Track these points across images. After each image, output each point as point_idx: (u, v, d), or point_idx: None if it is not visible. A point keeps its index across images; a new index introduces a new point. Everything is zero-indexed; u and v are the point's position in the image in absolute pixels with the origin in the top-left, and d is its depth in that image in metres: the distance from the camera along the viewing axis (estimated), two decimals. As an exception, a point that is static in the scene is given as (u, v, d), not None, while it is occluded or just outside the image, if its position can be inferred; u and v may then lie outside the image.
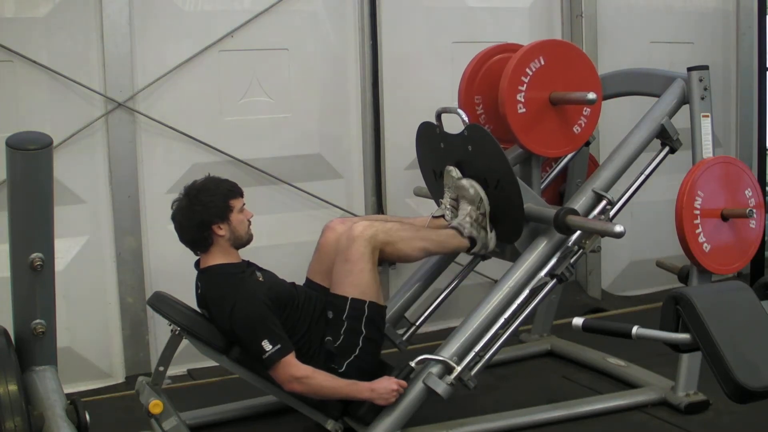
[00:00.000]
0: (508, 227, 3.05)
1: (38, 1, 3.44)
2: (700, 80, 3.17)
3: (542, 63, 3.11)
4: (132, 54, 3.59)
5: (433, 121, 3.22)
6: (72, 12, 3.49)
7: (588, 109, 3.19)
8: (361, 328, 2.83)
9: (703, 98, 3.16)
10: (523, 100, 3.09)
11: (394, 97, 4.09)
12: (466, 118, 3.05)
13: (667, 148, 3.24)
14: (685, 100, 3.21)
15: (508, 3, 4.34)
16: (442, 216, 3.12)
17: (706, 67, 3.20)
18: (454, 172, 3.10)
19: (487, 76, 3.38)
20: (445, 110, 3.19)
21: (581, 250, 3.00)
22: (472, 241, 3.05)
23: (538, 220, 3.04)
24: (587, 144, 3.55)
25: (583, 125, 3.21)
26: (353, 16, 4.02)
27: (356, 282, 2.83)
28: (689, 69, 3.21)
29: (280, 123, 3.89)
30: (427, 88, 4.10)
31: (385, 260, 3.00)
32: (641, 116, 3.25)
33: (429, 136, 3.27)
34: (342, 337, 2.83)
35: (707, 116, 3.15)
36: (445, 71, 4.12)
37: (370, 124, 4.06)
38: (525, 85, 3.09)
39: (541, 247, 3.02)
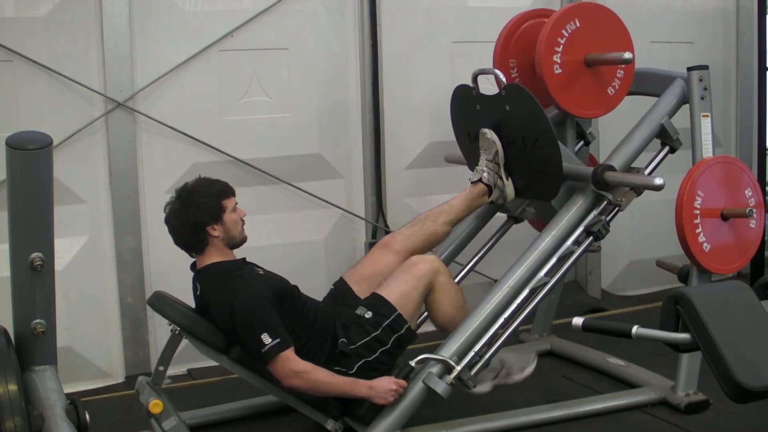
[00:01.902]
0: (546, 185, 3.09)
1: (38, 1, 3.44)
2: (700, 80, 3.18)
3: (578, 25, 3.14)
4: (132, 54, 3.59)
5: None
6: (72, 12, 3.49)
7: (621, 71, 3.22)
8: (388, 341, 2.86)
9: (703, 98, 3.17)
10: (559, 61, 3.12)
11: (394, 96, 4.09)
12: (503, 78, 3.08)
13: (667, 148, 3.24)
14: (685, 99, 3.22)
15: (508, 3, 4.32)
16: (480, 180, 3.16)
17: (706, 67, 3.21)
18: (490, 134, 3.13)
19: (521, 40, 3.40)
20: (483, 72, 3.22)
21: (617, 208, 3.05)
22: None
23: (576, 177, 3.08)
24: (587, 144, 3.56)
25: (617, 87, 3.24)
26: (353, 15, 4.02)
27: (408, 299, 2.90)
28: (689, 69, 3.22)
29: (280, 123, 3.89)
30: (427, 88, 4.10)
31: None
32: (641, 116, 3.25)
33: (465, 99, 3.30)
34: (366, 339, 2.84)
35: (707, 116, 3.16)
36: (445, 71, 4.12)
37: (370, 123, 4.06)
38: (561, 47, 3.12)
39: (578, 204, 3.07)
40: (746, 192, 3.09)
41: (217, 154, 3.75)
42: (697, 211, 2.97)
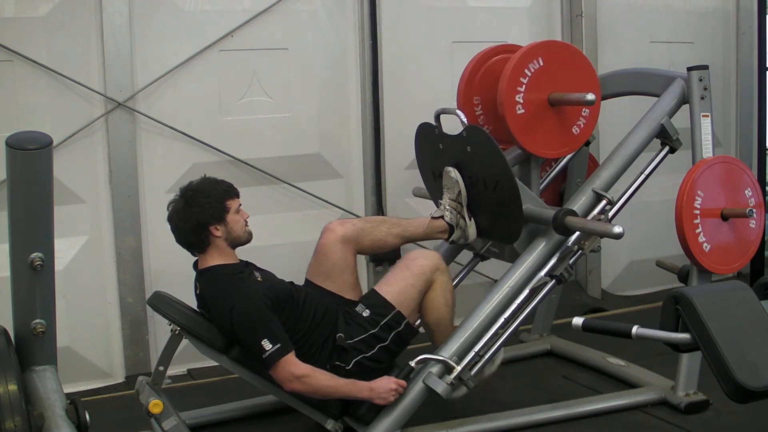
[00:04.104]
0: (507, 228, 3.05)
1: (38, 1, 3.44)
2: (700, 80, 3.17)
3: (541, 64, 3.11)
4: (132, 54, 3.59)
5: (432, 121, 3.22)
6: (72, 12, 3.49)
7: (587, 110, 3.19)
8: (387, 338, 2.86)
9: (702, 98, 3.16)
10: (522, 101, 3.09)
11: (394, 96, 4.09)
12: (465, 119, 3.05)
13: (666, 148, 3.24)
14: (685, 99, 3.21)
15: (508, 3, 4.34)
16: (441, 217, 3.13)
17: (706, 67, 3.20)
18: (453, 172, 3.10)
19: (486, 77, 3.38)
20: (444, 111, 3.19)
21: (580, 251, 3.01)
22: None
23: (537, 221, 3.04)
24: (587, 144, 3.55)
25: (582, 126, 3.20)
26: (353, 16, 4.02)
27: (406, 296, 2.89)
28: (689, 69, 3.21)
29: (280, 123, 3.89)
30: (427, 88, 4.10)
31: (364, 252, 3.07)
32: (641, 116, 3.25)
33: (428, 136, 3.27)
34: (363, 336, 2.84)
35: (707, 116, 3.15)
36: (445, 71, 4.12)
37: (370, 123, 4.06)
38: (524, 86, 3.09)
39: (540, 247, 3.02)
40: (746, 192, 3.09)
41: (217, 154, 3.75)
42: (697, 211, 2.97)
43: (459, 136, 3.07)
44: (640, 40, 4.59)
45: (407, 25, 4.11)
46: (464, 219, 3.09)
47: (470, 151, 3.04)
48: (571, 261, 3.00)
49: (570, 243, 3.00)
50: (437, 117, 3.21)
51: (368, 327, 2.86)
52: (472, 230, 3.12)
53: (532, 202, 3.05)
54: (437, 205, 3.24)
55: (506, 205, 2.99)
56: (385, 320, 2.86)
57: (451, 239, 3.12)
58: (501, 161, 2.95)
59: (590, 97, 3.00)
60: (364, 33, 4.01)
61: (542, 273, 2.99)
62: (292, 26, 3.88)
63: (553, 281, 2.98)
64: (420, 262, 2.94)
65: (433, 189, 3.37)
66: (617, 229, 2.78)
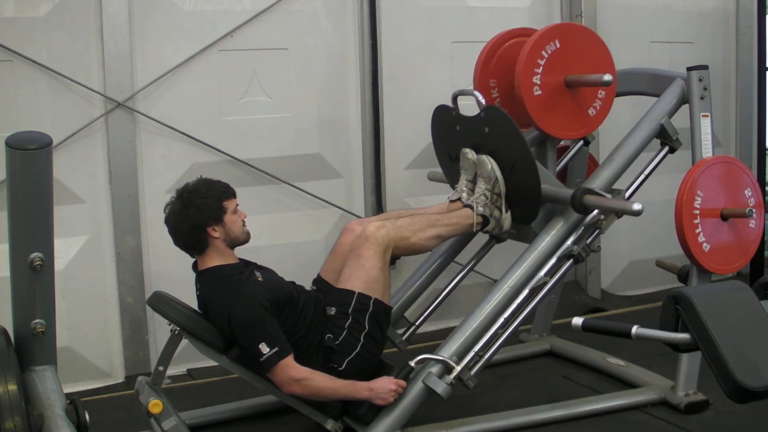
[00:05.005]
0: (525, 208, 3.07)
1: (38, 1, 3.44)
2: (700, 80, 3.17)
3: (558, 46, 3.12)
4: (132, 54, 3.59)
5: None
6: (72, 12, 3.49)
7: (603, 92, 3.20)
8: (364, 323, 2.83)
9: (702, 98, 3.17)
10: (539, 82, 3.10)
11: (394, 96, 4.09)
12: (483, 100, 3.07)
13: (666, 148, 3.24)
14: (684, 99, 3.22)
15: (508, 3, 4.34)
16: (459, 199, 3.13)
17: (705, 67, 3.21)
18: (470, 154, 3.12)
19: (502, 60, 3.39)
20: (462, 93, 3.22)
21: (597, 231, 3.03)
22: (485, 219, 3.07)
23: (555, 200, 3.06)
24: (587, 143, 3.56)
25: (598, 108, 3.22)
26: (353, 16, 4.02)
27: (365, 277, 2.85)
28: (689, 69, 3.22)
29: (280, 123, 3.89)
30: (427, 88, 4.10)
31: (402, 255, 3.02)
32: (641, 116, 3.25)
33: (445, 119, 3.29)
34: (345, 332, 2.83)
35: (707, 116, 3.16)
36: (445, 71, 4.13)
37: (370, 124, 4.06)
38: (541, 68, 3.10)
39: (557, 227, 3.05)
40: (746, 192, 3.09)
41: (217, 154, 3.75)
42: (697, 211, 2.97)
43: (477, 117, 3.09)
44: (640, 40, 4.59)
45: (407, 25, 4.11)
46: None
47: (488, 131, 3.06)
48: (588, 240, 3.02)
49: (587, 222, 3.02)
50: (454, 99, 3.23)
51: (343, 322, 2.84)
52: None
53: (549, 182, 3.07)
54: (453, 188, 3.25)
55: (524, 185, 3.01)
56: (351, 307, 2.83)
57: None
58: (520, 141, 2.96)
59: (607, 77, 3.01)
60: (364, 33, 4.01)
61: (560, 252, 3.00)
62: (292, 26, 3.88)
63: (571, 260, 3.00)
64: (364, 249, 2.86)
65: (450, 172, 3.38)
66: (636, 206, 2.81)
